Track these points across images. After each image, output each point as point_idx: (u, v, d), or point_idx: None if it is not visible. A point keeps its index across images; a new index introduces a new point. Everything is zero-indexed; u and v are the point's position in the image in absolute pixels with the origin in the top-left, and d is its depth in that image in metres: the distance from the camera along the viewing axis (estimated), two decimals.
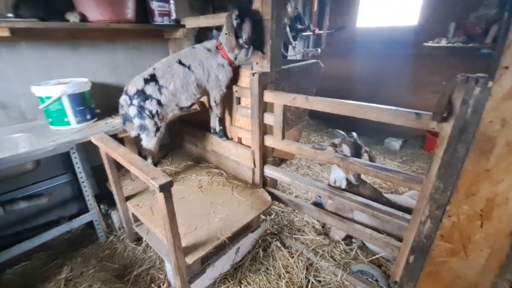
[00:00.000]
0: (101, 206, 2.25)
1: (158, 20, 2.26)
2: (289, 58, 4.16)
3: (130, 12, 2.02)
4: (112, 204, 2.27)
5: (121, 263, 1.92)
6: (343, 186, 1.87)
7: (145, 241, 2.02)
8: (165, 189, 1.18)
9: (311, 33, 4.33)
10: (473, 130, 1.07)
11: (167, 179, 1.18)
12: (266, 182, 2.21)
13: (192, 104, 1.95)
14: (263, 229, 2.09)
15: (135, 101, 1.72)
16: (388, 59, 3.93)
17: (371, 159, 1.81)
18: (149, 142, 1.84)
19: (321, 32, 4.43)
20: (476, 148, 1.07)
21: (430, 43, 3.30)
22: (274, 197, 2.15)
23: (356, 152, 1.76)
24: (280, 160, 2.75)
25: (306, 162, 3.35)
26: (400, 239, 1.56)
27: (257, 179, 2.13)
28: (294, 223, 2.25)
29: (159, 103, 1.76)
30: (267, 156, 2.13)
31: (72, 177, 2.16)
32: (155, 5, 2.23)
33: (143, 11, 2.24)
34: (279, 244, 2.01)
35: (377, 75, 4.11)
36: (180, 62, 1.80)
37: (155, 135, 1.83)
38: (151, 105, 1.74)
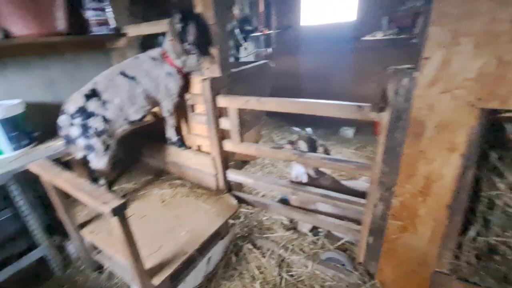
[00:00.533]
0: (54, 238, 2.04)
1: (95, 30, 2.11)
2: (242, 60, 4.19)
3: (61, 23, 1.85)
4: (66, 234, 2.08)
5: None
6: (304, 180, 1.94)
7: (107, 268, 1.88)
8: (119, 212, 1.11)
9: (260, 33, 4.41)
10: (406, 116, 1.18)
11: (120, 201, 1.11)
12: (231, 187, 2.20)
13: (143, 117, 1.86)
14: (233, 233, 2.08)
15: (76, 120, 1.58)
16: (334, 54, 4.16)
17: (326, 151, 1.90)
18: (99, 162, 1.71)
19: (270, 32, 4.54)
20: (410, 132, 1.19)
21: (368, 37, 3.58)
22: (241, 200, 2.15)
23: (312, 146, 1.84)
24: (243, 162, 2.77)
25: (270, 161, 3.41)
26: (360, 223, 1.66)
27: (221, 184, 2.11)
28: (263, 222, 2.27)
29: (105, 119, 1.64)
30: (228, 160, 2.12)
31: (15, 211, 1.92)
32: (90, 15, 2.08)
33: (78, 21, 2.07)
34: (250, 246, 2.02)
35: (326, 70, 4.34)
36: (123, 74, 1.70)
37: (105, 154, 1.71)
38: (96, 123, 1.61)
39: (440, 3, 0.95)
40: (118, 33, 2.20)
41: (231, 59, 4.18)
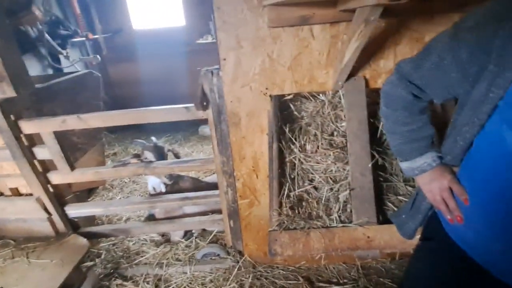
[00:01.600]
0: None
1: None
2: (66, 70, 3.48)
3: None
4: None
5: None
6: (163, 190, 1.88)
7: None
8: None
9: (83, 38, 3.80)
10: (225, 110, 1.35)
11: None
12: (77, 224, 1.83)
13: None
14: (94, 277, 1.76)
15: None
16: (173, 58, 4.17)
17: (176, 155, 1.91)
18: None
19: (96, 36, 3.99)
20: (231, 123, 1.37)
21: (200, 40, 3.81)
22: (95, 235, 1.84)
23: (160, 154, 1.80)
24: (89, 191, 2.36)
25: (130, 179, 3.08)
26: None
27: (61, 227, 1.72)
28: (130, 249, 2.05)
29: None
30: (63, 195, 1.75)
31: None
32: None
33: None
34: (119, 281, 1.78)
35: (166, 74, 4.29)
36: None
37: None
38: None
39: (220, 13, 1.12)
40: None
41: (49, 71, 3.40)
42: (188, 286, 1.77)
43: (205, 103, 1.38)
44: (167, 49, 4.08)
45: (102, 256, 2.00)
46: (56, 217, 1.69)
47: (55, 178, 1.63)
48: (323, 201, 1.24)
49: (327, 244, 1.14)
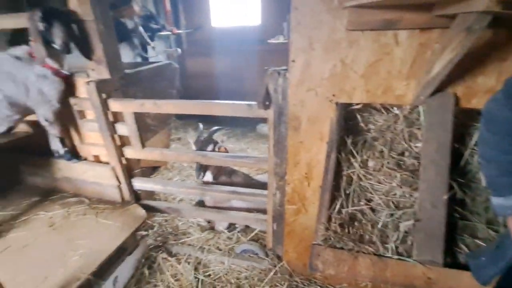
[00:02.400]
0: None
1: None
2: (152, 60, 3.94)
3: None
4: None
5: None
6: (210, 180, 1.97)
7: None
8: None
9: (169, 32, 4.23)
10: (286, 112, 1.32)
11: None
12: (139, 196, 2.05)
13: (11, 128, 1.54)
14: (145, 246, 1.95)
15: None
16: (245, 55, 4.34)
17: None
18: None
19: (180, 31, 4.40)
20: (291, 126, 1.34)
21: (272, 40, 3.86)
22: (152, 209, 2.04)
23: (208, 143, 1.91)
24: (153, 169, 2.62)
25: (188, 164, 3.33)
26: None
27: (127, 195, 1.95)
28: (179, 228, 2.21)
29: None
30: (132, 168, 1.97)
31: None
32: None
33: None
34: (165, 255, 1.93)
35: (237, 70, 4.49)
36: None
37: None
38: None
39: (296, 13, 1.09)
40: None
41: (138, 59, 3.89)
42: (224, 276, 1.82)
43: (267, 103, 1.38)
44: (240, 47, 4.27)
45: (154, 229, 2.20)
46: (124, 186, 1.92)
47: (128, 152, 1.84)
48: (379, 226, 1.11)
49: (376, 273, 1.02)
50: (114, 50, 1.70)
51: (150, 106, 1.60)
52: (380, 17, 1.00)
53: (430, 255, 1.00)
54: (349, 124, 1.32)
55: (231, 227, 2.22)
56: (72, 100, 1.76)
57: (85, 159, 1.98)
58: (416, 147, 1.15)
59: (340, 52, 1.11)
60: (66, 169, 1.98)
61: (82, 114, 1.84)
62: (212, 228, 2.24)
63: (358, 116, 1.30)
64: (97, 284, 1.49)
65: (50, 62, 1.52)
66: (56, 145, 1.86)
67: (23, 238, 1.60)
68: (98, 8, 1.53)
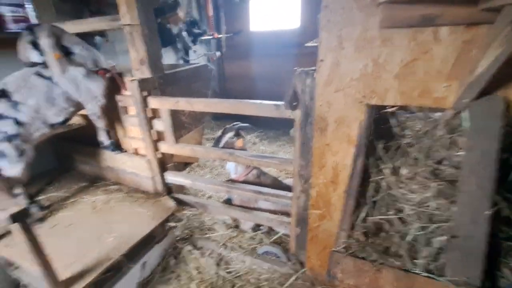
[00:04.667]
0: None
1: (12, 27, 1.95)
2: (192, 62, 4.17)
3: None
4: None
5: None
6: (232, 175, 2.02)
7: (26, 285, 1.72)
8: (19, 219, 1.04)
9: (210, 37, 4.43)
10: (313, 113, 1.29)
11: (19, 207, 1.04)
12: (170, 189, 2.17)
13: (67, 119, 1.76)
14: (172, 237, 2.05)
15: None
16: (282, 58, 4.35)
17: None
18: (13, 169, 1.58)
19: (220, 36, 4.59)
20: (317, 128, 1.30)
21: (310, 43, 3.80)
22: (181, 202, 2.14)
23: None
24: (185, 164, 2.74)
25: (219, 162, 3.42)
26: None
27: (159, 187, 2.08)
28: (205, 223, 2.27)
29: (17, 122, 1.52)
30: (166, 162, 2.10)
31: None
32: (5, 10, 1.91)
33: None
34: (190, 248, 2.01)
35: (274, 73, 4.50)
36: (39, 74, 1.59)
37: (19, 160, 1.57)
38: (5, 126, 1.49)
39: (326, 12, 1.07)
40: None
41: (180, 61, 4.14)
42: (244, 275, 1.82)
43: (294, 103, 1.37)
44: (278, 50, 4.30)
45: (182, 222, 2.29)
46: (157, 179, 2.05)
47: (163, 147, 1.97)
48: (408, 239, 1.02)
49: None
50: (156, 52, 1.83)
51: (183, 104, 1.69)
52: (418, 12, 0.93)
53: (466, 275, 0.88)
54: (381, 128, 1.24)
55: (256, 228, 2.22)
56: (118, 97, 1.94)
57: (126, 151, 2.16)
58: (456, 155, 1.04)
59: (372, 51, 1.05)
60: (110, 159, 2.18)
61: (125, 110, 2.01)
62: (236, 227, 2.27)
63: (391, 120, 1.21)
64: (127, 265, 1.61)
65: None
66: (102, 137, 2.06)
67: (69, 218, 1.79)
68: (144, 14, 1.67)
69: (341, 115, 1.21)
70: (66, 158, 2.49)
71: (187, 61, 4.15)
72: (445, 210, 1.01)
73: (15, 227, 1.05)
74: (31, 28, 1.45)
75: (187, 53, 4.16)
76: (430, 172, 1.06)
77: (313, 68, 1.27)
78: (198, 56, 4.37)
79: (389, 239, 1.05)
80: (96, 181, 2.28)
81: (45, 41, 1.44)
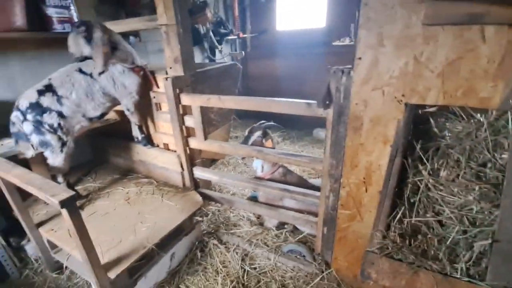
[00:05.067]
0: (11, 240, 1.98)
1: (57, 27, 2.09)
2: (217, 61, 4.25)
3: (19, 19, 1.83)
4: (23, 235, 2.02)
5: None
6: (259, 173, 2.04)
7: (66, 267, 1.85)
8: (69, 204, 1.12)
9: (235, 37, 4.50)
10: (347, 112, 1.29)
11: (69, 193, 1.13)
12: (198, 184, 2.23)
13: (104, 114, 1.86)
14: (199, 230, 2.11)
15: (29, 116, 1.57)
16: (307, 58, 4.32)
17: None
18: (56, 159, 1.70)
19: (245, 35, 4.64)
20: (351, 127, 1.29)
21: (337, 42, 3.75)
22: (208, 197, 2.19)
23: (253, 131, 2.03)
24: (211, 161, 2.81)
25: (242, 161, 3.47)
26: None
27: (188, 182, 2.15)
28: (230, 219, 2.32)
29: (60, 115, 1.64)
30: (194, 158, 2.16)
31: None
32: (51, 12, 2.06)
33: (39, 18, 2.05)
34: (216, 242, 2.06)
35: (300, 72, 4.48)
36: (80, 71, 1.70)
37: (62, 150, 1.69)
38: (50, 118, 1.60)
39: (366, 9, 1.06)
40: None
41: (206, 60, 4.24)
42: (269, 272, 1.84)
43: (327, 102, 1.36)
44: (304, 50, 4.27)
45: (208, 216, 2.36)
46: (186, 173, 2.12)
47: (192, 142, 2.03)
48: (448, 243, 0.99)
49: None
50: (188, 51, 1.90)
51: (215, 101, 1.74)
52: (465, 10, 0.90)
53: (507, 281, 0.84)
54: (420, 129, 1.21)
55: (279, 227, 2.23)
56: (151, 93, 2.03)
57: (157, 146, 2.25)
58: (501, 158, 0.99)
59: (414, 48, 1.03)
60: (142, 153, 2.28)
61: (158, 106, 2.10)
62: (261, 225, 2.30)
63: (432, 120, 1.18)
64: (159, 255, 1.68)
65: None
66: (136, 131, 2.16)
67: (105, 207, 1.90)
68: (179, 15, 1.74)
69: (378, 114, 1.19)
70: (101, 151, 2.63)
71: (212, 60, 4.24)
72: (488, 214, 0.97)
73: (64, 212, 1.14)
74: (85, 24, 1.56)
75: (213, 53, 4.26)
76: (473, 174, 1.02)
77: (348, 66, 1.26)
78: (223, 55, 4.46)
79: (427, 242, 1.02)
80: (128, 173, 2.39)
81: (98, 36, 1.54)
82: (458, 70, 0.99)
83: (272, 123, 2.17)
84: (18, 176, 1.29)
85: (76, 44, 1.55)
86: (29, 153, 1.66)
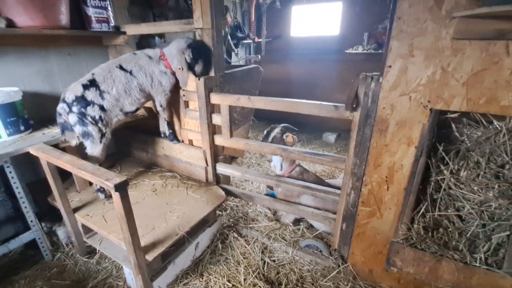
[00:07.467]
0: (43, 224, 2.09)
1: (95, 26, 2.23)
2: (232, 64, 4.39)
3: (64, 18, 1.96)
4: (55, 221, 2.13)
5: (72, 279, 1.83)
6: (278, 171, 2.16)
7: (98, 251, 1.96)
8: (121, 188, 1.23)
9: (251, 41, 4.64)
10: (374, 115, 1.40)
11: (122, 178, 1.24)
12: (219, 179, 2.34)
13: (137, 109, 1.98)
14: (220, 223, 2.21)
15: (74, 108, 1.69)
16: (319, 64, 4.46)
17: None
18: (94, 149, 1.82)
19: (260, 40, 4.78)
20: (376, 129, 1.40)
21: (350, 50, 3.88)
22: (228, 193, 2.30)
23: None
24: (231, 158, 2.92)
25: (256, 160, 3.58)
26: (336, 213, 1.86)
27: (211, 177, 2.26)
28: (248, 214, 2.43)
29: (102, 108, 1.76)
30: (218, 154, 2.27)
31: (4, 196, 1.97)
32: (92, 12, 2.19)
33: (79, 17, 2.19)
34: (236, 235, 2.16)
35: (311, 78, 4.62)
36: (120, 67, 1.83)
37: (101, 141, 1.81)
38: (93, 111, 1.73)
39: (399, 22, 1.18)
40: (118, 31, 2.32)
41: None
42: (288, 265, 1.94)
43: (354, 105, 1.47)
44: (317, 56, 4.42)
45: (228, 211, 2.47)
46: (209, 169, 2.23)
47: (218, 140, 2.14)
48: (468, 235, 1.09)
49: (460, 280, 1.01)
50: (220, 53, 2.02)
51: (244, 100, 1.85)
52: (492, 27, 1.01)
53: None
54: (442, 132, 1.32)
55: (295, 223, 2.34)
56: (181, 92, 2.15)
57: (182, 142, 2.36)
58: None
59: (442, 59, 1.15)
60: (167, 148, 2.40)
61: (187, 104, 2.22)
62: (277, 221, 2.40)
63: (453, 125, 1.29)
64: (188, 241, 1.79)
65: (173, 65, 1.92)
66: (164, 127, 2.28)
67: (134, 197, 2.01)
68: (215, 18, 1.86)
69: (404, 118, 1.31)
70: (124, 144, 2.75)
71: (228, 63, 4.38)
72: (506, 210, 1.07)
73: (116, 195, 1.25)
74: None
75: (229, 55, 4.39)
76: (492, 174, 1.12)
77: (376, 73, 1.37)
78: (239, 58, 4.60)
79: (448, 235, 1.13)
80: (151, 167, 2.51)
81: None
82: (482, 80, 1.11)
83: (287, 124, 2.29)
84: (69, 162, 1.41)
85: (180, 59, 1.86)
86: (74, 142, 1.78)
